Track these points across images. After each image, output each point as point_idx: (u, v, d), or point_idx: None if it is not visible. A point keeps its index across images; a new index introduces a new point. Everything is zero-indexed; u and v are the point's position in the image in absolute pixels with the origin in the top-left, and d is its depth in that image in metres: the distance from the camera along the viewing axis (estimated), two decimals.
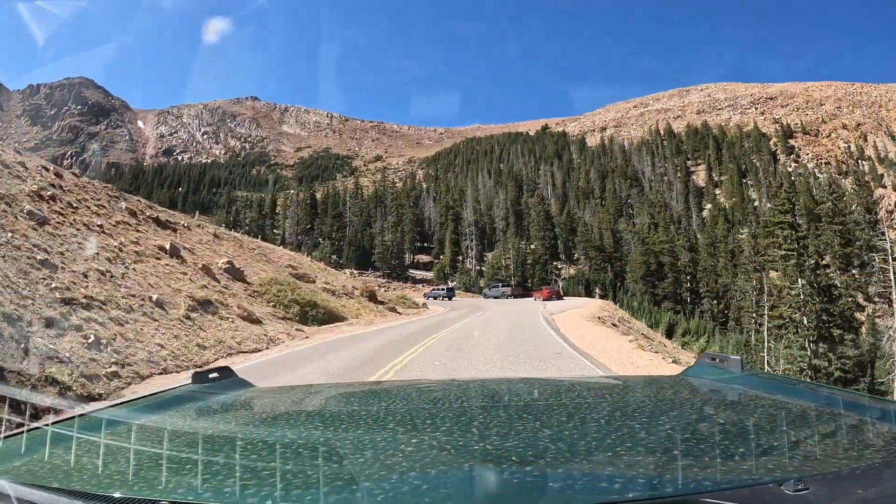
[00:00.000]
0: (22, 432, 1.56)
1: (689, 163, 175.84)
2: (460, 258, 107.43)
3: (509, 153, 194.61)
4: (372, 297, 47.51)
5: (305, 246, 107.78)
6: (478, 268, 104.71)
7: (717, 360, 2.58)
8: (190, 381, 2.37)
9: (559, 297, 61.71)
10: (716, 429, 1.67)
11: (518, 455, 1.36)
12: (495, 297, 73.93)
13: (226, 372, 2.54)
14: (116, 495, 1.14)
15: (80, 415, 1.76)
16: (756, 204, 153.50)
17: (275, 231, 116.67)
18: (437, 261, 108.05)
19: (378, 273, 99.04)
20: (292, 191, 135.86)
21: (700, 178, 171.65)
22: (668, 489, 1.14)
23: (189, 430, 1.79)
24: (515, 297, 73.13)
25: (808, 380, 17.57)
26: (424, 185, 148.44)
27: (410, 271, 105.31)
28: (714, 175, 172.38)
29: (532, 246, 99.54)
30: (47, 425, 1.59)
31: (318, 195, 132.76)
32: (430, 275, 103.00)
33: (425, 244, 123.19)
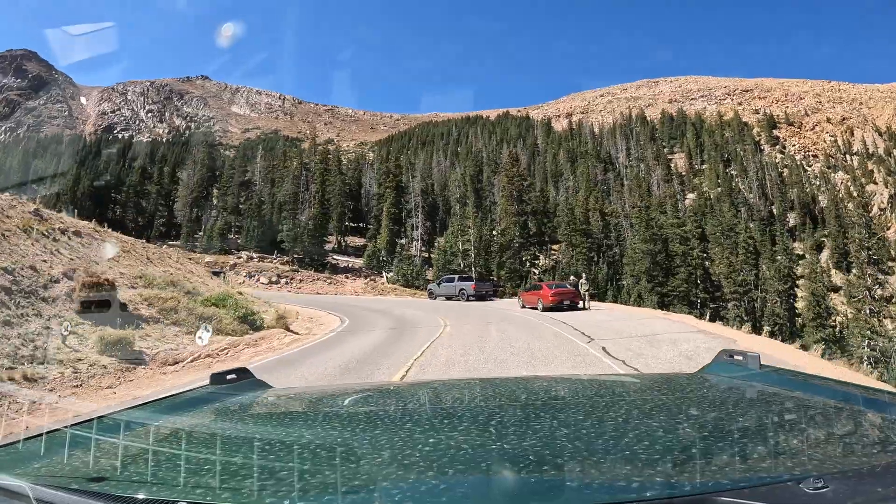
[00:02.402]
0: (41, 434, 1.51)
1: (665, 150, 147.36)
2: (403, 241, 74.67)
3: (468, 135, 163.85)
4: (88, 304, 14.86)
5: (190, 221, 74.64)
6: (425, 254, 72.18)
7: (736, 357, 2.38)
8: (208, 382, 2.25)
9: (574, 304, 28.77)
10: (734, 426, 1.61)
11: (535, 454, 1.31)
12: (447, 297, 42.64)
13: (243, 373, 2.39)
14: (135, 496, 1.10)
15: (99, 417, 1.66)
16: (748, 195, 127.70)
17: (160, 202, 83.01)
18: (371, 243, 74.84)
19: (286, 258, 66.31)
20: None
21: (678, 165, 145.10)
22: (686, 488, 1.08)
23: (207, 431, 1.72)
24: (481, 297, 41.58)
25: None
26: (371, 159, 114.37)
27: (334, 257, 72.27)
28: (694, 163, 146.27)
29: (500, 227, 66.19)
30: (66, 427, 1.54)
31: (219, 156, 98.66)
32: (359, 262, 70.24)
33: (361, 224, 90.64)
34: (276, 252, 67.53)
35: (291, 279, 57.90)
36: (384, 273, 64.00)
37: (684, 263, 68.51)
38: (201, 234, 73.07)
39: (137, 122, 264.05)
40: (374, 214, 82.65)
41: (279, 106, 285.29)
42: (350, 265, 68.11)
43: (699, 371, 2.48)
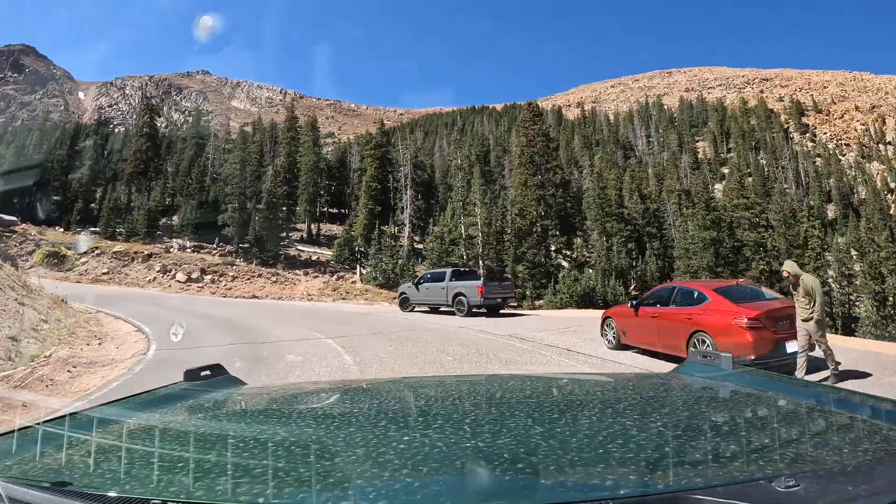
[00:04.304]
0: (13, 431, 1.45)
1: (685, 138, 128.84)
2: (393, 230, 55.60)
3: (473, 124, 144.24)
4: None
5: (120, 205, 56.00)
6: (418, 245, 53.08)
7: (709, 358, 2.36)
8: (182, 379, 2.16)
9: (810, 349, 9.59)
10: (707, 426, 1.60)
11: (510, 452, 1.28)
12: (432, 306, 23.80)
13: (217, 369, 2.28)
14: (108, 494, 1.06)
15: (72, 414, 1.60)
16: (783, 185, 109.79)
17: (96, 185, 64.29)
18: (346, 229, 55.47)
19: (230, 247, 47.40)
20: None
21: (705, 153, 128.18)
22: (660, 486, 1.07)
23: (181, 429, 1.66)
24: (493, 307, 22.14)
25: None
26: (355, 141, 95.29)
27: (300, 247, 53.17)
28: (720, 151, 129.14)
29: (516, 209, 45.76)
30: (38, 424, 1.49)
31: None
32: (329, 253, 50.97)
33: (343, 210, 71.66)
34: (217, 240, 48.63)
35: (221, 276, 38.98)
36: (359, 268, 45.01)
37: (756, 256, 49.88)
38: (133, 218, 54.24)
39: (134, 116, 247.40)
40: (356, 195, 63.60)
41: (280, 100, 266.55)
42: (316, 258, 49.00)
43: (673, 371, 2.40)
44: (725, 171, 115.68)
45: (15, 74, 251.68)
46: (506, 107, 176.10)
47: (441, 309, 23.11)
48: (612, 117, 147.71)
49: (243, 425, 1.67)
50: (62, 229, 53.83)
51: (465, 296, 21.41)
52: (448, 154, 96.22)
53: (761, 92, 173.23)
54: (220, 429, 1.59)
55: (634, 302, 11.97)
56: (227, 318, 20.58)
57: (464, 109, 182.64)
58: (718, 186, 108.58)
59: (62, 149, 65.85)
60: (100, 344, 15.52)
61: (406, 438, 1.38)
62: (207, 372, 2.18)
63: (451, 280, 22.55)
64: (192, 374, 2.13)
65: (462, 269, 25.30)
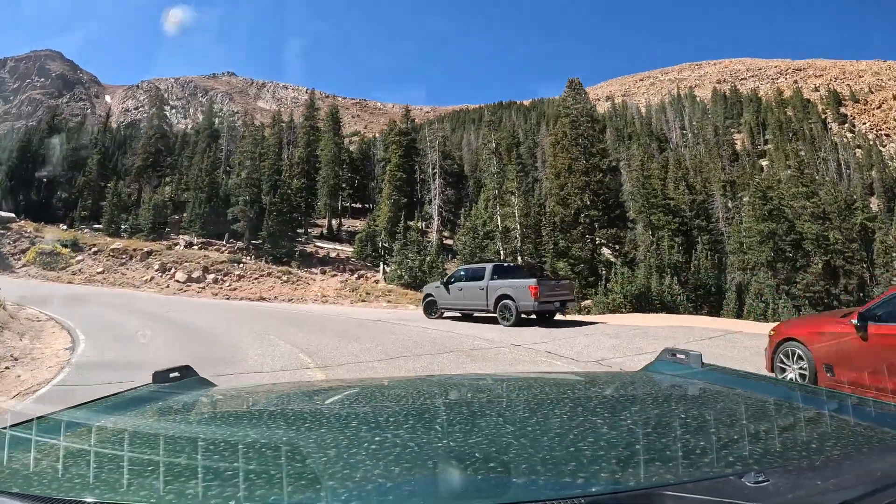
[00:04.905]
0: None
1: (721, 130, 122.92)
2: (417, 223, 50.56)
3: (501, 118, 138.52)
4: None
5: (123, 201, 51.69)
6: (447, 241, 48.14)
7: (678, 356, 2.33)
8: (150, 381, 2.09)
9: None
10: (677, 423, 1.59)
11: (481, 451, 1.27)
12: (465, 311, 18.63)
13: (187, 371, 2.23)
14: (78, 499, 1.04)
15: (39, 417, 1.56)
16: (826, 177, 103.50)
17: (103, 182, 60.08)
18: (368, 223, 50.52)
19: (240, 244, 42.85)
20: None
21: (740, 145, 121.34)
22: (631, 483, 1.07)
23: (150, 431, 1.62)
24: (545, 314, 17.05)
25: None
26: (378, 136, 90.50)
27: (319, 244, 48.48)
28: (757, 142, 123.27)
29: (555, 199, 40.24)
30: (5, 429, 1.46)
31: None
32: (350, 250, 46.17)
33: (365, 205, 67.05)
34: (227, 237, 44.11)
35: (225, 275, 34.47)
36: (383, 266, 40.19)
37: (819, 250, 44.37)
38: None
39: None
40: (380, 188, 58.75)
41: (305, 100, 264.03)
42: (336, 255, 44.28)
43: (643, 369, 2.40)
44: (764, 163, 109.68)
45: (42, 79, 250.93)
46: (533, 102, 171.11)
47: (476, 315, 18.10)
48: (643, 110, 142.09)
49: (213, 427, 1.64)
50: (65, 226, 50.02)
51: (512, 299, 16.23)
52: (479, 143, 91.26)
53: (795, 82, 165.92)
54: (191, 431, 1.56)
55: (861, 314, 6.34)
56: (203, 329, 15.72)
57: (491, 105, 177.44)
58: (756, 179, 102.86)
59: (69, 145, 62.11)
60: (7, 368, 11.02)
61: (377, 439, 1.35)
62: (176, 374, 2.10)
63: (492, 278, 17.33)
64: (160, 376, 2.04)
65: (506, 265, 20.14)
